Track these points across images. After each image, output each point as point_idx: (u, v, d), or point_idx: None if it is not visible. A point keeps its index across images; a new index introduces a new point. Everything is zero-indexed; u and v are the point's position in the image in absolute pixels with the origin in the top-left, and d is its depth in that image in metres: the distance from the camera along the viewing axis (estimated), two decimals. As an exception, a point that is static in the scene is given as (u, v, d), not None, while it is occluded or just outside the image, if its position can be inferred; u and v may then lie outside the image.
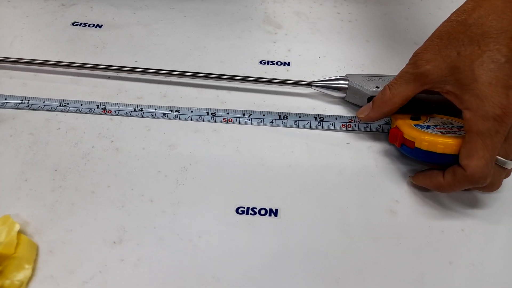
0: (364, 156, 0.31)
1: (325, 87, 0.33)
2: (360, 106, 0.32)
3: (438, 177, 0.26)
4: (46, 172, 0.28)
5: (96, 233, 0.25)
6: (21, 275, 0.22)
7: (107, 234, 0.25)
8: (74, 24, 0.39)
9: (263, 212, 0.27)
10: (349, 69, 0.37)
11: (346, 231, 0.26)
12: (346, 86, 0.33)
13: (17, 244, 0.23)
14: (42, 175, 0.27)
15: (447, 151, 0.25)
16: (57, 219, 0.25)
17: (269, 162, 0.30)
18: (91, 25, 0.40)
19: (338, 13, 0.44)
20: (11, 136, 0.30)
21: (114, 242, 0.24)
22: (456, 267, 0.25)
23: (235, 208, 0.27)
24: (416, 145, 0.26)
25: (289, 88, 0.35)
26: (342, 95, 0.33)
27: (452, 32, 0.25)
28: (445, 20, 0.26)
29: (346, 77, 0.33)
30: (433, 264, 0.25)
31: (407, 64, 0.28)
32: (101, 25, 0.40)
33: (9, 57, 0.34)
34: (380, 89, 0.30)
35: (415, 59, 0.27)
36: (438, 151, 0.25)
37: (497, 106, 0.23)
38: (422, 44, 0.27)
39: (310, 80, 0.34)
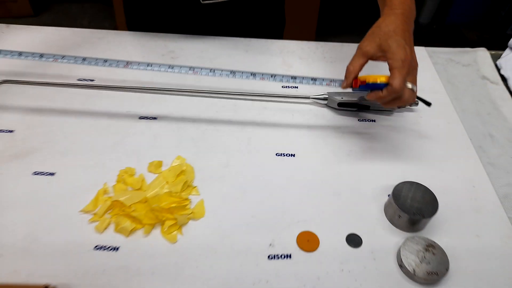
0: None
1: (317, 99, 0.65)
2: (333, 108, 0.64)
3: (379, 93, 0.51)
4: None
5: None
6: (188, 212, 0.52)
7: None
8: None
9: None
10: (329, 89, 0.69)
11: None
12: (327, 97, 0.64)
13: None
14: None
15: (383, 81, 0.50)
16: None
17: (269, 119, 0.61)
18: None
19: (324, 57, 0.76)
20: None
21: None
22: (377, 177, 0.56)
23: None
24: (368, 81, 0.51)
25: (298, 100, 0.67)
26: (325, 102, 0.65)
27: (374, 31, 0.52)
28: (370, 28, 0.53)
29: (327, 93, 0.65)
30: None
31: (356, 50, 0.53)
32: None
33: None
34: (344, 99, 0.62)
35: (360, 45, 0.52)
36: (379, 81, 0.50)
37: (402, 55, 0.48)
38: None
39: (310, 96, 0.66)
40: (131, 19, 0.82)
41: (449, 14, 2.48)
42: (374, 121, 0.65)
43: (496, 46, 0.86)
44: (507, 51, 0.84)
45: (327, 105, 0.66)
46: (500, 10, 2.31)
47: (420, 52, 0.81)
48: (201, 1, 0.70)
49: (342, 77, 0.54)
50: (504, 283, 0.46)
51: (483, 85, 0.76)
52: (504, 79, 0.78)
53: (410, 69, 0.50)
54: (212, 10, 0.74)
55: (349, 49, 0.77)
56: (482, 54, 0.83)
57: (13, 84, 0.64)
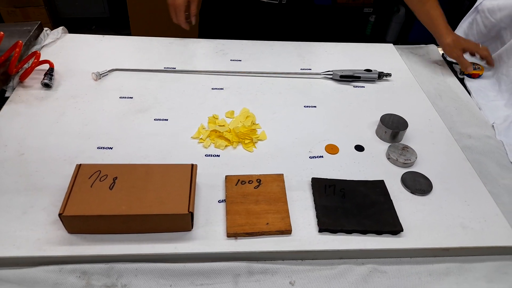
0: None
1: (325, 74, 0.98)
2: (336, 80, 0.97)
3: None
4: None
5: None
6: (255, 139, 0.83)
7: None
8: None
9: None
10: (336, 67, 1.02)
11: (337, 111, 0.89)
12: (332, 73, 0.97)
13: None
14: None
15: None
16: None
17: (310, 97, 0.93)
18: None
19: (330, 54, 1.10)
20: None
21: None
22: (369, 117, 0.88)
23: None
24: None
25: (314, 76, 0.99)
26: (331, 76, 0.98)
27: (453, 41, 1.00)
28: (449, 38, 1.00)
29: (332, 71, 0.97)
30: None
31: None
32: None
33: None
34: (344, 74, 0.95)
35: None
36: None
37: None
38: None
39: (320, 72, 0.98)
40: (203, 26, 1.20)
41: (410, 34, 2.93)
42: (363, 87, 0.98)
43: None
44: (449, 46, 1.21)
45: (332, 78, 0.98)
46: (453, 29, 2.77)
47: (390, 47, 1.16)
48: None
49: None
50: (445, 161, 0.77)
51: (433, 67, 1.11)
52: (449, 63, 1.13)
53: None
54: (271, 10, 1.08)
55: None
56: (432, 48, 1.19)
57: (121, 71, 0.94)
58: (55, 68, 0.91)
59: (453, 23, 1.12)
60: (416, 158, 0.76)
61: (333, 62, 1.06)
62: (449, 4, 2.75)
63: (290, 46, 1.12)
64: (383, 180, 0.71)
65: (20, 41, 0.87)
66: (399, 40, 2.98)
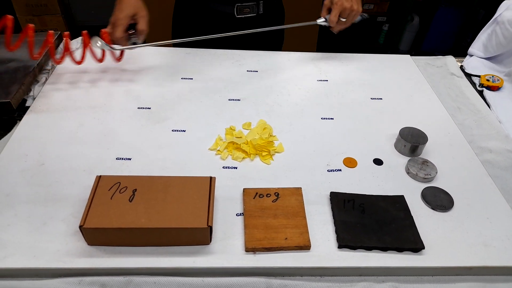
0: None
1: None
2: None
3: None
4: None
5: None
6: (272, 152, 0.83)
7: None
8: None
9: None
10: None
11: (355, 123, 0.88)
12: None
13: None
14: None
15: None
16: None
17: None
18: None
19: (346, 65, 1.09)
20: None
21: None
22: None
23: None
24: None
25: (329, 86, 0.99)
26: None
27: None
28: None
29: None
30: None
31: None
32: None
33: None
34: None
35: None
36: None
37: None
38: None
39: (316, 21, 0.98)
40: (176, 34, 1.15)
41: (424, 43, 2.91)
42: (381, 99, 0.97)
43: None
44: (467, 57, 1.19)
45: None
46: (466, 37, 2.76)
47: (407, 58, 1.15)
48: (235, 15, 1.02)
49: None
50: (465, 176, 0.76)
51: (451, 78, 1.10)
52: (467, 75, 1.12)
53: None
54: (242, 24, 1.06)
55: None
56: (450, 59, 1.17)
57: (138, 83, 0.95)
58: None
59: (471, 32, 1.11)
60: (436, 173, 0.75)
61: (349, 73, 1.05)
62: (465, 14, 2.73)
63: (306, 57, 1.12)
64: (403, 196, 0.70)
65: (31, 25, 0.86)
66: (413, 49, 2.96)
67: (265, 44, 1.18)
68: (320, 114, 0.90)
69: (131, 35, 0.86)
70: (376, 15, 2.79)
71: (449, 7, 2.71)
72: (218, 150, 0.78)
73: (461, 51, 2.76)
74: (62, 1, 2.54)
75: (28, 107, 0.85)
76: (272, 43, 1.24)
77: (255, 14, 1.10)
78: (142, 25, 0.85)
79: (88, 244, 0.59)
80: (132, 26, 0.88)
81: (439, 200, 0.71)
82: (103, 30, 0.87)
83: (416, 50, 2.96)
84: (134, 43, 0.87)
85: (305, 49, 2.51)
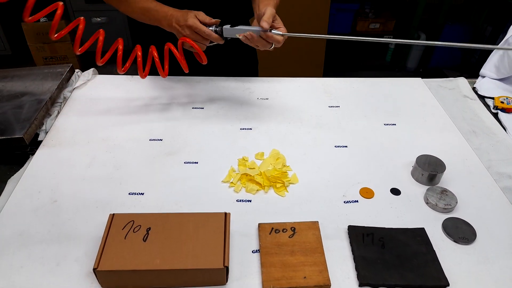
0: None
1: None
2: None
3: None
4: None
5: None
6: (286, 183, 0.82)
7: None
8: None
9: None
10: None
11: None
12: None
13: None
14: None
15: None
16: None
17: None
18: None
19: (357, 90, 1.09)
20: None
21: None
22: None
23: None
24: None
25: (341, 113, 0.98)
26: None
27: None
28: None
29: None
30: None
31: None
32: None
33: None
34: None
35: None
36: None
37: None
38: None
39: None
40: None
41: (432, 60, 2.91)
42: (395, 124, 0.95)
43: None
44: (479, 78, 1.18)
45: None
46: (474, 54, 2.75)
47: (418, 81, 1.14)
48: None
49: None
50: (486, 205, 0.74)
51: (464, 101, 1.08)
52: (480, 96, 1.10)
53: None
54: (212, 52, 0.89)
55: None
56: (462, 81, 1.16)
57: (151, 113, 0.95)
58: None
59: (481, 51, 1.09)
60: (457, 202, 0.73)
61: (360, 98, 1.05)
62: (472, 31, 2.73)
63: (316, 82, 1.11)
64: (423, 228, 0.68)
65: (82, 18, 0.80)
66: (421, 66, 2.96)
67: (240, 68, 1.17)
68: (334, 142, 0.89)
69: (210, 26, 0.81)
70: (382, 33, 2.80)
71: (455, 24, 2.72)
72: (232, 183, 0.77)
73: (469, 68, 2.77)
74: (72, 28, 2.59)
75: (41, 141, 0.85)
76: (247, 67, 1.21)
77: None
78: (208, 18, 0.80)
79: (102, 286, 0.58)
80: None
81: (461, 232, 0.68)
82: (182, 38, 0.81)
83: (423, 67, 2.96)
84: (216, 30, 0.81)
85: (312, 67, 2.54)
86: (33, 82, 0.98)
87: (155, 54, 0.81)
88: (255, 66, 1.24)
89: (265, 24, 0.77)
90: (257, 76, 1.23)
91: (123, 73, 0.82)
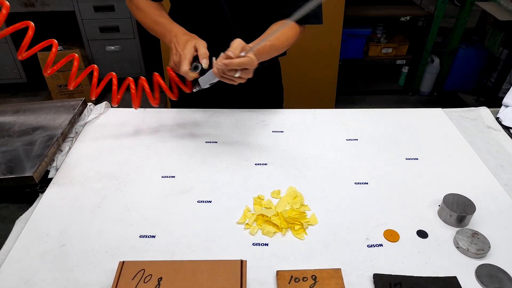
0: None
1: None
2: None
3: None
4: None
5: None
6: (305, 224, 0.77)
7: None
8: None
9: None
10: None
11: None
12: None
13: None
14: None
15: None
16: (299, 191, 0.82)
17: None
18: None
19: (376, 121, 1.05)
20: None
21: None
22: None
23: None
24: None
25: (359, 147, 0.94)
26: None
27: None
28: None
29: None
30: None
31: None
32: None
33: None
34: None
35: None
36: None
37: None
38: None
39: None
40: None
41: (446, 83, 2.87)
42: (417, 159, 0.91)
43: (492, 106, 1.16)
44: (502, 108, 1.13)
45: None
46: (490, 77, 2.70)
47: (438, 112, 1.10)
48: (193, 90, 0.88)
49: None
50: (529, 254, 0.68)
51: (488, 132, 1.03)
52: (505, 127, 1.06)
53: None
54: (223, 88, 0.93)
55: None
56: (484, 111, 1.12)
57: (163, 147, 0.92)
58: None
59: (494, 72, 1.04)
60: (490, 247, 0.68)
61: (379, 130, 1.01)
62: (487, 54, 2.69)
63: (333, 114, 1.08)
64: (455, 277, 0.63)
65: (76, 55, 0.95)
66: (435, 89, 2.92)
67: (265, 99, 1.16)
68: (353, 178, 0.85)
69: (193, 62, 0.82)
70: (395, 58, 2.78)
71: (469, 47, 2.68)
72: (247, 224, 0.73)
73: (485, 92, 2.71)
74: (86, 56, 2.63)
75: (51, 178, 0.83)
76: (272, 98, 1.20)
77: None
78: (204, 49, 0.82)
79: None
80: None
81: (496, 280, 0.63)
82: (168, 67, 0.87)
83: (438, 90, 2.91)
84: (196, 67, 0.82)
85: (324, 92, 2.51)
86: (45, 116, 0.97)
87: (146, 85, 0.87)
88: (281, 97, 1.23)
89: (220, 59, 0.77)
90: (282, 107, 1.21)
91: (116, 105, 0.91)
